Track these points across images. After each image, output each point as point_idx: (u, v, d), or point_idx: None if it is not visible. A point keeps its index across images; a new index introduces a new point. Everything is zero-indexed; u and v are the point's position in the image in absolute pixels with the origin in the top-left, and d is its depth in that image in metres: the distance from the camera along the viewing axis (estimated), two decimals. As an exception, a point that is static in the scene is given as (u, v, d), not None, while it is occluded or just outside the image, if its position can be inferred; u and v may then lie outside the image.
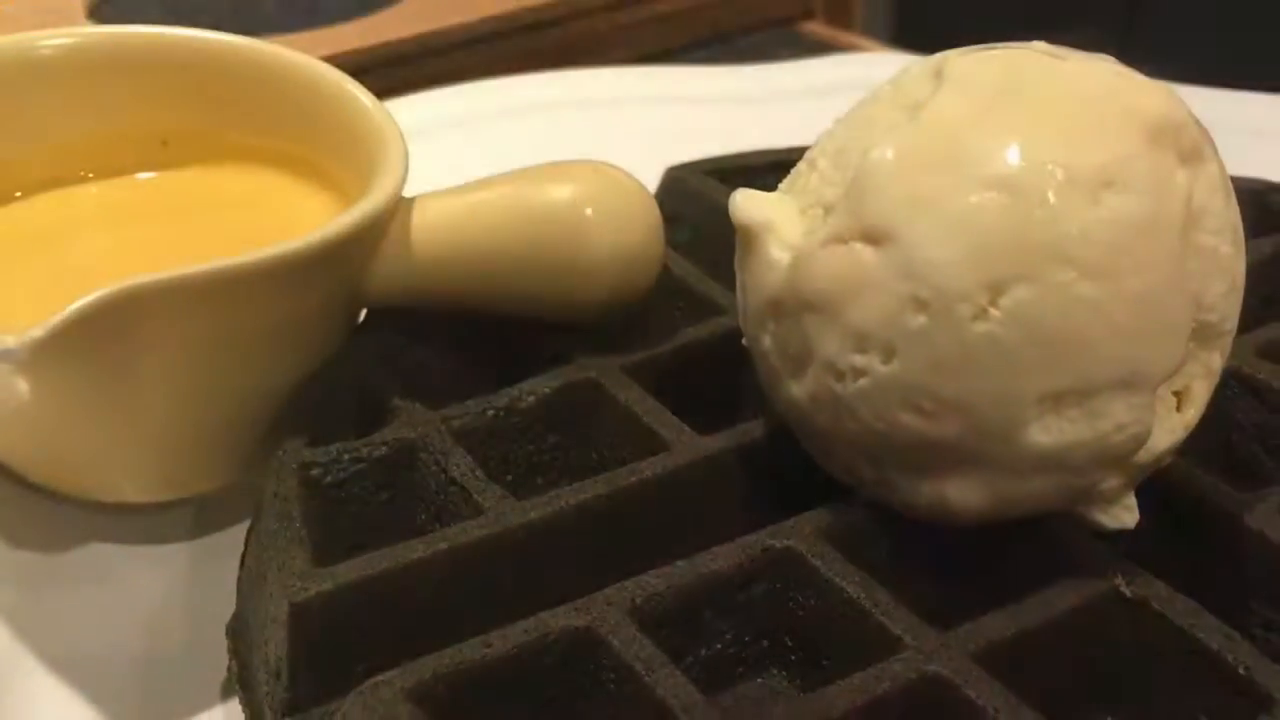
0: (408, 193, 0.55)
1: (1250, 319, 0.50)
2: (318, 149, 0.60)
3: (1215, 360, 0.46)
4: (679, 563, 0.46)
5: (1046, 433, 0.43)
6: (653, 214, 0.55)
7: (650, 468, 0.50)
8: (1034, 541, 0.47)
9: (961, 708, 0.42)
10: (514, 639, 0.43)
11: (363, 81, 0.60)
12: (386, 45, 0.96)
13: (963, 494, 0.45)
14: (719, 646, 0.47)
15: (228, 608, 0.51)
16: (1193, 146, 0.45)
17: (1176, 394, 0.45)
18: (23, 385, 0.51)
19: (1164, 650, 0.44)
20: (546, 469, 0.54)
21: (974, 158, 0.43)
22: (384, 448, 0.51)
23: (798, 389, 0.47)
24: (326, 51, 0.88)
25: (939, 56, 0.48)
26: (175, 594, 0.55)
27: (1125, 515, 0.46)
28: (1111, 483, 0.45)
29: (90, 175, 0.62)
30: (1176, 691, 0.44)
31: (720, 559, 0.46)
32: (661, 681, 0.42)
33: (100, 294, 0.45)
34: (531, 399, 0.53)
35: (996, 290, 0.42)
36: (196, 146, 0.62)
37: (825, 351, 0.45)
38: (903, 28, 1.97)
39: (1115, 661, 0.45)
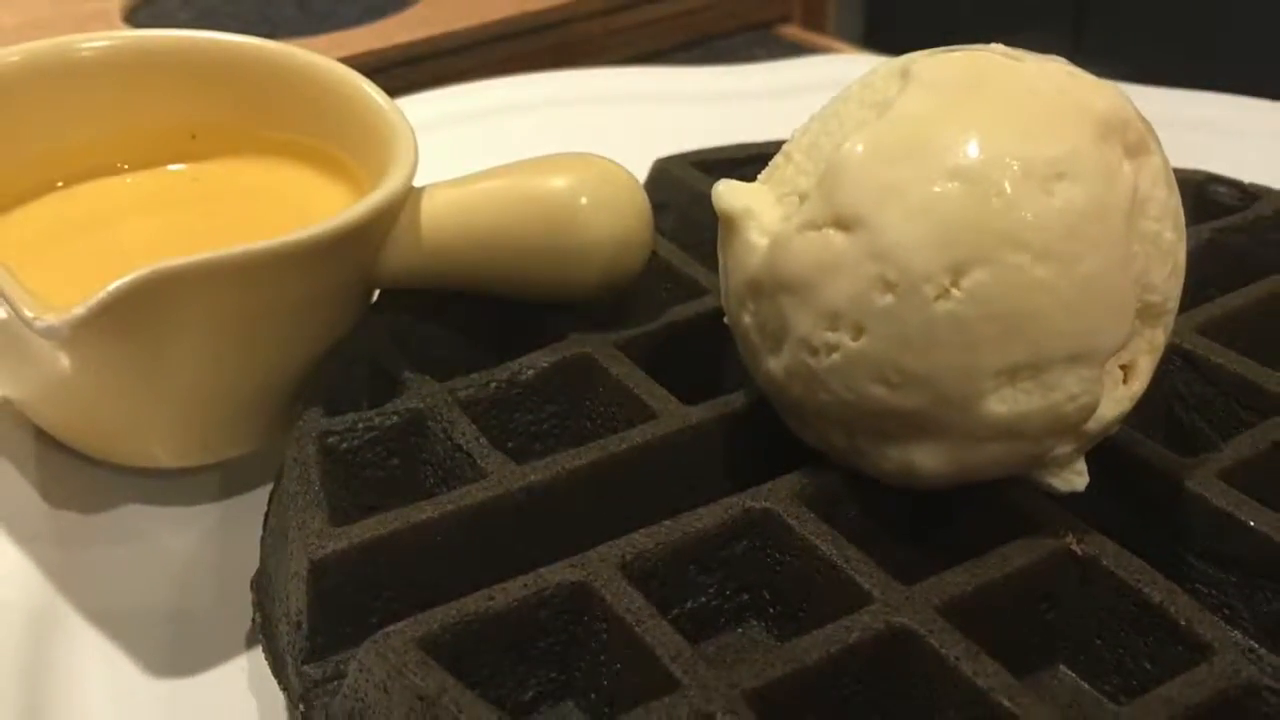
0: (417, 183, 0.55)
1: (1190, 299, 0.50)
2: (334, 143, 0.60)
3: (1159, 337, 0.45)
4: (666, 522, 0.46)
5: (1003, 403, 0.43)
6: (642, 202, 0.55)
7: (640, 435, 0.50)
8: (992, 503, 0.47)
9: (926, 656, 0.42)
10: (515, 592, 0.43)
11: (376, 81, 0.60)
12: (398, 47, 0.96)
13: (927, 459, 0.45)
14: (703, 599, 0.47)
15: (252, 564, 0.51)
16: (1138, 140, 0.45)
17: (1123, 368, 0.45)
18: (65, 359, 0.50)
19: (1111, 603, 0.44)
20: (545, 436, 0.54)
21: (937, 151, 0.43)
22: (395, 417, 0.51)
23: (775, 363, 0.47)
24: (342, 53, 0.88)
25: (905, 58, 0.47)
26: (204, 551, 0.55)
27: (1076, 479, 0.46)
28: (1063, 449, 0.45)
29: (125, 166, 0.62)
30: (1122, 640, 0.44)
31: (704, 519, 0.46)
32: (650, 631, 0.42)
33: (134, 276, 0.45)
34: (531, 372, 0.53)
35: (958, 272, 0.42)
36: (223, 140, 0.62)
37: (800, 329, 0.45)
38: (872, 31, 1.97)
39: (1067, 613, 0.45)
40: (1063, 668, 0.46)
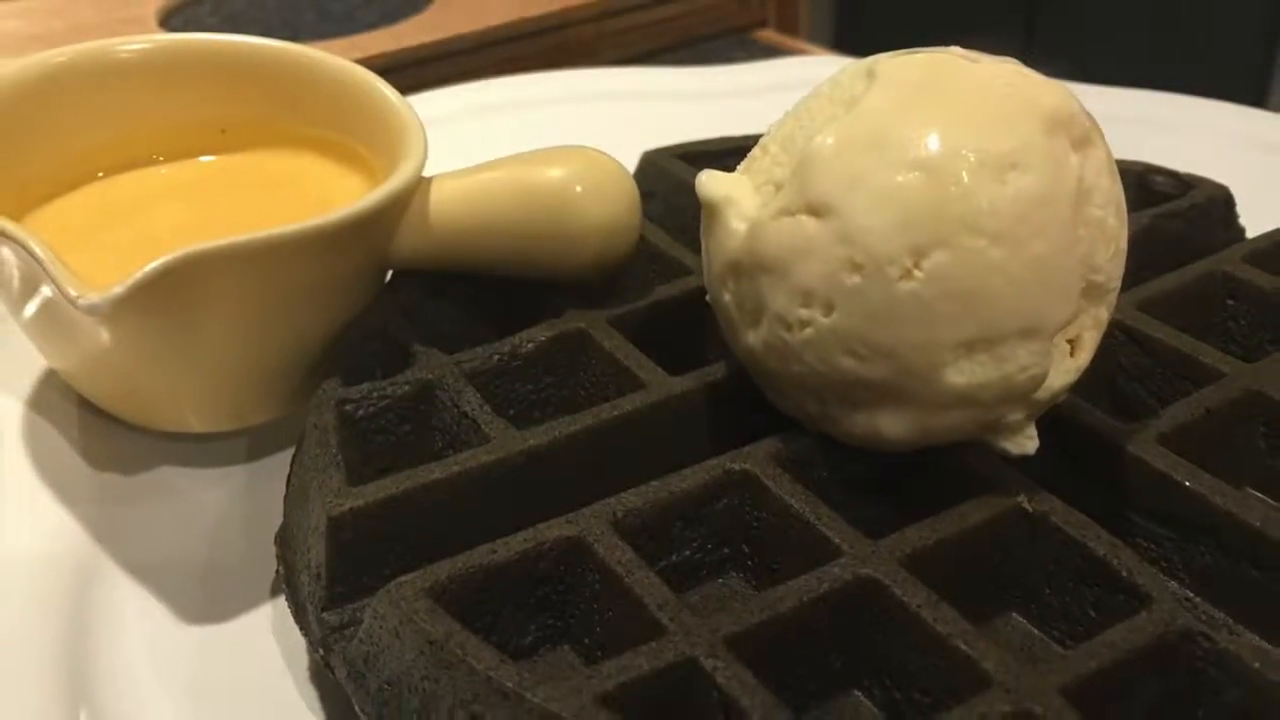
0: (426, 174, 0.54)
1: (1132, 279, 0.50)
2: (351, 136, 0.60)
3: (1103, 313, 0.45)
4: (653, 483, 0.46)
5: (961, 374, 0.43)
6: (632, 191, 0.55)
7: (630, 403, 0.49)
8: (951, 465, 0.47)
9: (890, 605, 0.41)
10: (515, 546, 0.43)
11: (389, 80, 0.59)
12: (409, 50, 0.96)
13: (892, 425, 0.45)
14: (687, 553, 0.46)
15: (276, 520, 0.51)
16: (1084, 134, 0.45)
17: (1070, 342, 0.45)
18: (106, 334, 0.50)
19: (1060, 556, 0.44)
20: (543, 404, 0.54)
21: (900, 144, 0.43)
22: (406, 387, 0.51)
23: (753, 337, 0.47)
24: (359, 55, 0.88)
25: (871, 59, 0.47)
26: (232, 509, 0.55)
27: (1027, 443, 0.46)
28: (1016, 416, 0.45)
29: (160, 158, 0.61)
30: (1070, 590, 0.44)
31: (688, 480, 0.46)
32: (639, 582, 0.42)
33: (168, 258, 0.45)
34: (530, 346, 0.53)
35: (919, 254, 0.42)
36: (250, 134, 0.62)
37: (776, 306, 0.45)
38: (841, 35, 1.97)
39: (1019, 565, 0.45)
40: (1015, 615, 0.46)
